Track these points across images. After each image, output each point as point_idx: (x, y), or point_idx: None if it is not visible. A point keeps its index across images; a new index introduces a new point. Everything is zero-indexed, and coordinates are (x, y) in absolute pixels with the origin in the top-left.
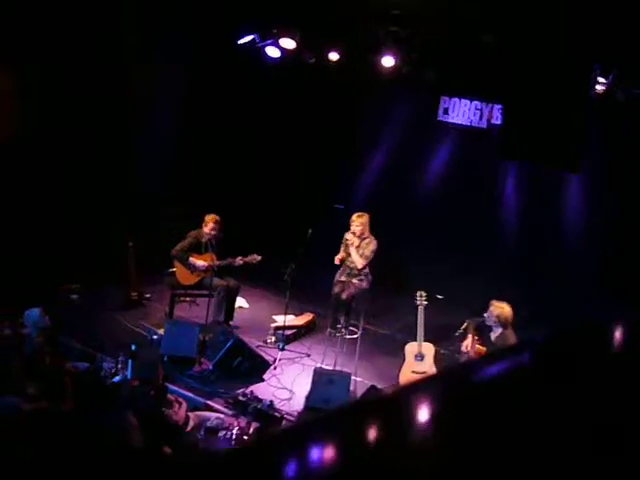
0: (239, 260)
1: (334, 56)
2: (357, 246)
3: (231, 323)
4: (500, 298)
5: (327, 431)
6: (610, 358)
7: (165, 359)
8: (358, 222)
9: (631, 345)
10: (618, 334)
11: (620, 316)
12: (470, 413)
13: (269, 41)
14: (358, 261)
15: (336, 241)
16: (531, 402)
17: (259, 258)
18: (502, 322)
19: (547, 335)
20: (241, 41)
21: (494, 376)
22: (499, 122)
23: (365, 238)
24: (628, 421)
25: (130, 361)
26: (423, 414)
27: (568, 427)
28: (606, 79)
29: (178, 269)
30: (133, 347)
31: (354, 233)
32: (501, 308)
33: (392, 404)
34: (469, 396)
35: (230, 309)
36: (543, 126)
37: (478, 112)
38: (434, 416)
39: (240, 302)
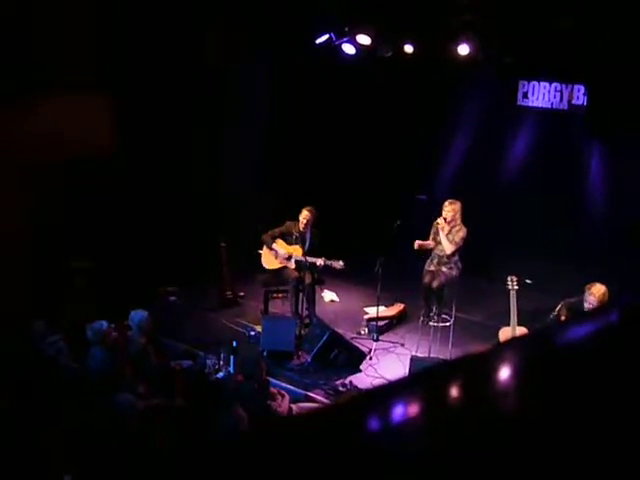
0: (321, 261)
1: (409, 48)
2: (447, 232)
3: (319, 315)
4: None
5: (412, 390)
6: None
7: (264, 354)
8: (450, 208)
9: None
10: None
11: None
12: (555, 373)
13: (345, 38)
14: (447, 247)
15: (420, 231)
16: (616, 363)
17: (342, 264)
18: (605, 303)
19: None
20: (319, 40)
21: (582, 337)
22: (580, 102)
23: (455, 225)
24: None
25: (232, 357)
26: (508, 373)
27: None
28: None
29: (264, 252)
30: (235, 343)
31: (445, 219)
32: (599, 290)
33: (478, 364)
34: (555, 356)
35: (310, 303)
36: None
37: (558, 94)
38: (519, 375)
39: (331, 296)
